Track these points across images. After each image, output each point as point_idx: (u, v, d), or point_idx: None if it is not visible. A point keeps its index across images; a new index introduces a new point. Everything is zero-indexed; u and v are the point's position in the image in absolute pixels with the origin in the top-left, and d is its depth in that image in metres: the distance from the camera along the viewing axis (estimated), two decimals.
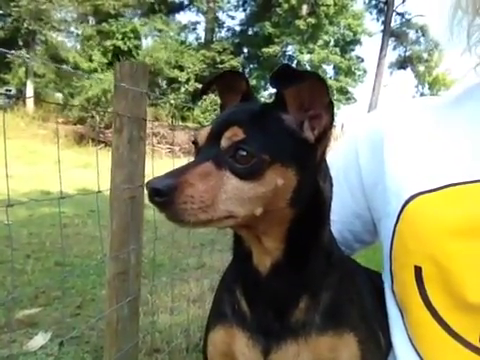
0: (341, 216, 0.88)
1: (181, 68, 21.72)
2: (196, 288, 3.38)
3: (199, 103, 21.43)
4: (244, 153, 0.69)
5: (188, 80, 21.81)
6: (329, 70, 23.04)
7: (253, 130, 0.72)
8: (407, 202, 0.73)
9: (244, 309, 0.81)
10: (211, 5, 23.67)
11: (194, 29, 26.04)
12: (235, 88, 0.84)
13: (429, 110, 0.82)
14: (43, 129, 15.69)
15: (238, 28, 25.10)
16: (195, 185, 0.67)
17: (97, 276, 3.71)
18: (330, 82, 22.28)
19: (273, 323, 0.78)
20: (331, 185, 0.79)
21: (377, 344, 0.82)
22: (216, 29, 25.23)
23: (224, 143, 0.71)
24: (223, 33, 25.50)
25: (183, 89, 22.01)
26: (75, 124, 17.65)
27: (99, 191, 1.41)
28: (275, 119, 0.74)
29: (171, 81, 22.05)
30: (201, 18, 25.60)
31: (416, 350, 0.73)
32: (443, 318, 0.68)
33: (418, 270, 0.71)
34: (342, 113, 22.87)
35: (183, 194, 0.66)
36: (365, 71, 23.93)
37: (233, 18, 25.94)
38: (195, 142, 0.78)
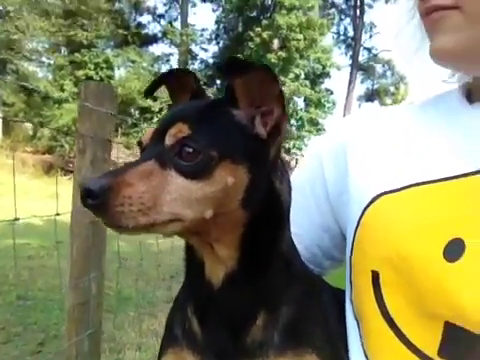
0: (309, 231, 0.85)
1: (154, 98, 21.76)
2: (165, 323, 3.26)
3: None
4: (190, 150, 0.64)
5: (161, 109, 21.84)
6: (300, 102, 23.54)
7: (200, 126, 0.67)
8: (368, 206, 0.70)
9: (195, 329, 0.73)
10: (184, 38, 24.03)
11: (167, 60, 26.32)
12: (184, 86, 0.79)
13: (391, 117, 0.81)
14: (11, 159, 15.30)
15: (211, 60, 25.52)
16: (134, 185, 0.61)
17: (60, 311, 3.55)
18: (301, 114, 22.72)
19: (227, 343, 0.70)
20: (289, 188, 0.74)
21: None
22: (189, 61, 25.54)
23: (168, 141, 0.66)
24: (196, 65, 25.83)
25: (156, 119, 22.00)
26: (44, 154, 17.35)
27: (58, 214, 1.34)
28: (224, 114, 0.69)
29: (144, 110, 22.03)
30: (174, 50, 25.94)
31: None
32: (400, 328, 0.63)
33: (375, 275, 0.67)
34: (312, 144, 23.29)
35: (119, 195, 0.59)
36: (334, 103, 24.52)
37: (206, 51, 26.27)
38: (140, 142, 0.72)
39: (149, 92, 0.79)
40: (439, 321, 0.59)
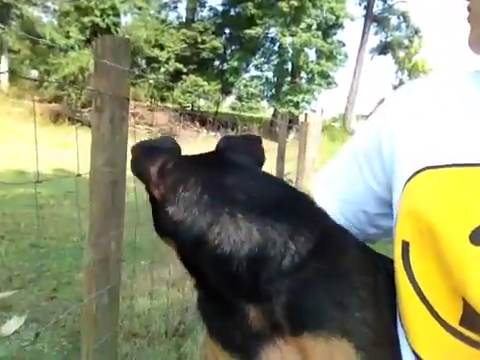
0: (356, 195, 0.84)
1: (161, 47, 21.31)
2: (175, 272, 3.35)
3: (179, 83, 21.15)
4: None
5: (168, 60, 21.45)
6: (311, 54, 22.93)
7: None
8: (411, 178, 0.70)
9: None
10: None
11: (175, 8, 25.54)
12: None
13: (444, 87, 0.79)
14: (17, 107, 15.25)
15: (220, 8, 24.70)
16: None
17: (73, 259, 3.64)
18: (312, 66, 22.21)
19: (234, 335, 0.65)
20: (190, 206, 0.67)
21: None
22: (198, 9, 24.79)
23: None
24: (205, 13, 25.07)
25: (163, 69, 21.65)
26: (51, 102, 17.24)
27: (79, 174, 1.33)
28: None
29: (151, 60, 21.63)
30: None
31: (402, 326, 0.70)
32: (426, 297, 0.65)
33: (405, 245, 0.67)
34: (322, 98, 22.98)
35: None
36: (346, 56, 23.89)
37: None
38: None
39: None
40: (459, 296, 0.61)
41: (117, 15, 20.28)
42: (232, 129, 15.70)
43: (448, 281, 0.62)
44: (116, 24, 20.04)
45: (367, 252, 0.74)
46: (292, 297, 0.61)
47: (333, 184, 0.79)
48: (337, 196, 0.79)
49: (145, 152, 0.72)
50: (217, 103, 23.85)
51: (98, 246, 1.42)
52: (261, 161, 0.78)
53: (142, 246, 3.93)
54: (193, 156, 0.75)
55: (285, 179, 6.46)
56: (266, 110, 27.07)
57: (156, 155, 0.71)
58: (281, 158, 6.20)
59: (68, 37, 18.82)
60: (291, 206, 0.69)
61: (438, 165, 0.68)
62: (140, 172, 0.70)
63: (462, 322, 0.61)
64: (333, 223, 0.72)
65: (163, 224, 0.68)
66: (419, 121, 0.76)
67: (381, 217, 0.84)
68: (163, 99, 21.98)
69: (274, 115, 22.79)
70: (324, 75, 22.63)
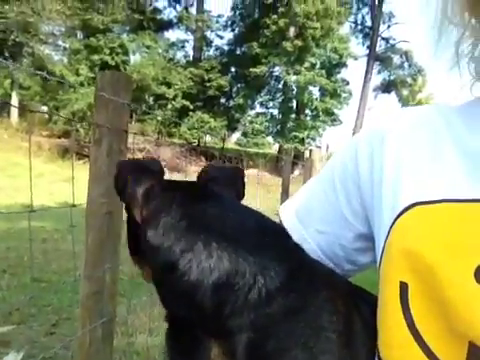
0: (333, 227, 0.80)
1: (168, 85, 21.78)
2: None
3: (186, 120, 21.46)
4: None
5: (175, 97, 21.86)
6: (315, 91, 23.31)
7: None
8: (400, 214, 0.67)
9: None
10: (200, 24, 23.91)
11: (182, 47, 26.20)
12: None
13: (432, 118, 0.77)
14: (27, 141, 15.49)
15: (226, 47, 25.33)
16: None
17: (74, 293, 3.61)
18: (316, 103, 22.53)
19: None
20: (168, 231, 0.67)
21: None
22: (204, 48, 25.42)
23: None
24: (211, 52, 25.68)
25: (170, 105, 22.04)
26: (59, 137, 17.51)
27: (74, 205, 1.35)
28: None
29: (158, 97, 22.07)
30: (190, 36, 25.80)
31: None
32: (425, 341, 0.62)
33: (404, 286, 0.64)
34: (327, 134, 23.15)
35: None
36: (350, 94, 24.26)
37: (221, 38, 26.03)
38: None
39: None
40: (464, 340, 0.58)
41: (126, 53, 20.88)
42: (237, 164, 15.69)
43: (452, 324, 0.59)
44: (125, 62, 20.59)
45: (342, 289, 0.71)
46: (254, 335, 0.59)
47: (309, 214, 0.77)
48: (314, 227, 0.77)
49: (133, 171, 0.72)
50: (223, 139, 24.11)
51: (93, 278, 1.42)
52: (241, 193, 0.78)
53: (143, 281, 3.91)
54: (176, 182, 0.76)
55: None
56: (272, 146, 27.29)
57: (144, 176, 0.71)
58: (285, 193, 6.22)
59: (78, 74, 19.31)
60: (266, 239, 0.68)
61: (427, 201, 0.65)
62: (123, 190, 0.70)
63: None
64: (308, 258, 0.70)
65: (138, 245, 0.67)
66: (402, 153, 0.73)
67: (358, 253, 0.81)
68: (170, 135, 22.27)
69: (279, 151, 22.96)
70: (328, 112, 22.93)
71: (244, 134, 23.96)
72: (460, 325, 0.58)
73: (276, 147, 25.53)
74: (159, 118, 20.91)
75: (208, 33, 25.36)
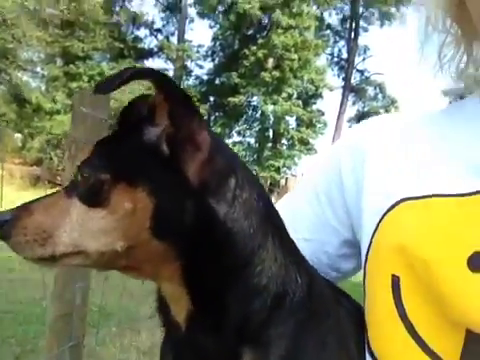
0: (319, 234, 0.81)
1: None
2: (147, 339, 3.22)
3: None
4: (85, 174, 0.59)
5: None
6: (292, 121, 23.69)
7: (102, 148, 0.63)
8: (388, 211, 0.68)
9: None
10: (180, 54, 24.20)
11: None
12: None
13: (411, 122, 0.80)
14: None
15: (206, 77, 25.65)
16: (33, 215, 0.60)
17: (40, 325, 3.49)
18: (292, 133, 22.84)
19: None
20: (249, 210, 0.60)
21: None
22: (184, 77, 25.67)
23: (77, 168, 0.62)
24: (191, 81, 25.95)
25: None
26: (32, 165, 17.23)
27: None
28: (134, 133, 0.61)
29: None
30: (170, 65, 26.04)
31: None
32: (419, 334, 0.62)
33: (396, 279, 0.64)
34: (303, 163, 23.36)
35: (17, 226, 0.59)
36: (325, 124, 24.74)
37: (201, 67, 26.37)
38: None
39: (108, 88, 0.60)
40: (461, 328, 0.59)
41: None
42: None
43: (448, 314, 0.60)
44: None
45: (333, 290, 0.74)
46: (291, 343, 0.60)
47: (294, 224, 0.77)
48: (301, 235, 0.78)
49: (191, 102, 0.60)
50: None
51: (62, 299, 1.36)
52: None
53: (113, 311, 3.80)
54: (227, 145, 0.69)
55: None
56: None
57: (204, 122, 0.61)
58: None
59: (54, 101, 19.16)
60: (294, 245, 0.68)
61: (416, 196, 0.66)
62: (182, 124, 0.58)
63: (464, 356, 0.59)
64: (310, 265, 0.72)
65: (181, 218, 0.58)
66: (387, 154, 0.75)
67: (342, 259, 0.83)
68: None
69: None
70: (304, 142, 23.26)
71: None
72: (456, 314, 0.59)
73: None
74: None
75: (188, 62, 25.70)
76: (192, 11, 26.33)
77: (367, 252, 0.69)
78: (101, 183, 0.58)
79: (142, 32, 27.82)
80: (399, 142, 0.75)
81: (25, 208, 0.61)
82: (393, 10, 24.69)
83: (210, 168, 0.59)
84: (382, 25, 25.74)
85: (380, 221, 0.68)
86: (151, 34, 26.57)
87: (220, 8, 24.18)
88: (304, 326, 0.62)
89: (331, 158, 0.84)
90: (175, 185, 0.59)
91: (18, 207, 0.62)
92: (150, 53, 26.06)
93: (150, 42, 26.80)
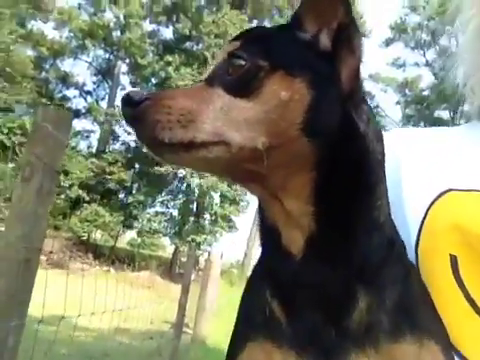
0: None
1: (66, 173, 20.89)
2: None
3: (78, 212, 20.45)
4: (236, 61, 0.58)
5: (71, 186, 20.92)
6: (216, 197, 23.87)
7: (252, 39, 0.62)
8: (436, 199, 0.73)
9: (278, 315, 0.60)
10: (109, 118, 24.02)
11: (87, 137, 25.97)
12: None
13: (444, 133, 0.87)
14: None
15: (133, 144, 25.50)
16: (175, 98, 0.58)
17: None
18: (216, 208, 22.93)
19: (323, 331, 0.57)
20: (378, 136, 0.63)
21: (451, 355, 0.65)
22: (110, 141, 25.38)
23: (220, 58, 0.62)
24: (117, 146, 25.70)
25: (63, 195, 20.92)
26: None
27: None
28: (284, 31, 0.64)
29: None
30: (96, 128, 25.80)
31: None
32: (476, 302, 0.66)
33: (454, 259, 0.69)
34: (224, 240, 23.42)
35: (159, 103, 0.57)
36: (248, 202, 25.24)
37: (129, 134, 26.23)
38: None
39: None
40: None
41: (25, 135, 19.91)
42: (128, 265, 15.09)
43: None
44: (21, 144, 19.52)
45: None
46: (401, 293, 0.60)
47: None
48: None
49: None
50: (116, 237, 23.06)
51: None
52: None
53: None
54: None
55: (185, 323, 6.03)
56: (166, 249, 26.70)
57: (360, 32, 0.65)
58: (185, 296, 5.87)
59: None
60: None
61: (460, 189, 0.72)
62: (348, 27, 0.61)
63: None
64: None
65: (331, 119, 0.58)
66: (426, 156, 0.80)
67: None
68: (56, 227, 20.76)
69: (174, 254, 22.53)
70: (226, 219, 23.38)
71: (139, 232, 23.25)
72: None
73: (170, 250, 25.05)
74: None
75: (117, 128, 25.53)
76: (125, 79, 26.86)
77: (418, 237, 0.73)
78: (258, 70, 0.57)
79: (71, 92, 27.80)
80: (436, 146, 0.82)
81: (162, 92, 0.61)
82: None
83: (357, 79, 0.62)
84: None
85: (428, 208, 0.73)
86: (81, 95, 26.56)
87: (153, 80, 24.79)
88: (409, 274, 0.65)
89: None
90: (331, 83, 0.59)
91: (151, 93, 0.60)
92: (77, 113, 25.76)
93: (78, 103, 26.82)
